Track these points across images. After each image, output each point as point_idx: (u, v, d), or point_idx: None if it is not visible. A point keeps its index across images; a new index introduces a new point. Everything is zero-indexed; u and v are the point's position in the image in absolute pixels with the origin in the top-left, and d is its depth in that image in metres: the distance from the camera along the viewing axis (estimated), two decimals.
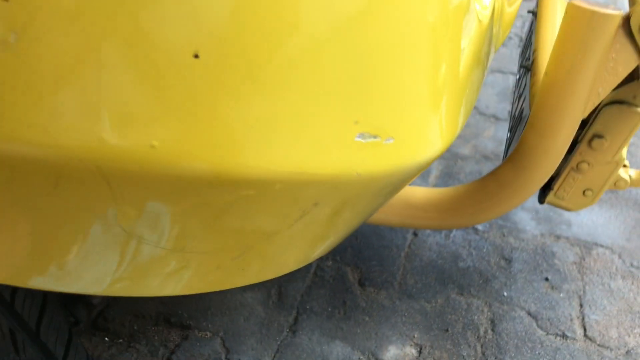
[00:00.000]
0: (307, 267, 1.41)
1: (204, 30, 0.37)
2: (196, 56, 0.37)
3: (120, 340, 1.22)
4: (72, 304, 1.24)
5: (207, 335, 1.24)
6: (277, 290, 1.35)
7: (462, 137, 1.86)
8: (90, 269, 0.51)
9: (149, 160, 0.39)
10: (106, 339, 1.23)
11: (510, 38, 2.45)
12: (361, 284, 1.37)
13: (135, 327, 1.26)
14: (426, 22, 0.50)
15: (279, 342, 1.22)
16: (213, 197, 0.45)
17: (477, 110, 2.00)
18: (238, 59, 0.39)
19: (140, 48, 0.36)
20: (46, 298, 0.82)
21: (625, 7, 2.41)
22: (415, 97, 0.51)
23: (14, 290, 0.73)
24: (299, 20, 0.40)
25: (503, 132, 1.90)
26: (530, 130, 0.82)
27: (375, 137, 0.48)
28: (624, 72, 0.78)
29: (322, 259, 1.43)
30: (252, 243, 0.53)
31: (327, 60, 0.43)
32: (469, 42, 0.62)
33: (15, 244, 0.47)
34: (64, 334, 0.91)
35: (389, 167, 0.51)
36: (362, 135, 0.47)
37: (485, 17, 0.69)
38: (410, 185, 0.89)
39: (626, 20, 0.73)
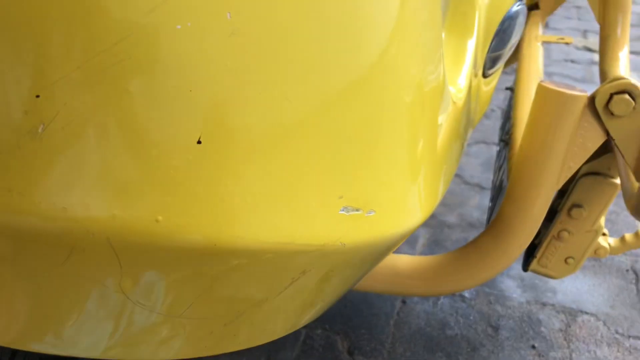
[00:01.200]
0: (296, 336, 1.41)
1: (207, 120, 0.43)
2: (199, 142, 0.42)
3: None
4: None
5: None
6: (267, 359, 1.35)
7: (448, 206, 1.91)
8: (90, 334, 0.54)
9: (154, 233, 0.43)
10: None
11: (493, 110, 2.55)
12: (350, 352, 1.37)
13: None
14: (403, 105, 0.55)
15: None
16: (208, 266, 0.49)
17: (462, 180, 2.06)
18: (235, 144, 0.44)
19: (151, 136, 0.42)
20: None
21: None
22: (394, 173, 0.56)
23: (12, 358, 0.74)
24: (291, 112, 0.46)
25: (487, 200, 1.95)
26: (508, 200, 0.86)
27: (357, 210, 0.53)
28: (592, 147, 0.83)
29: (311, 327, 1.43)
30: (244, 309, 0.56)
31: (314, 142, 0.48)
32: (445, 120, 0.68)
33: (21, 310, 0.50)
34: None
35: (371, 238, 0.56)
36: (345, 209, 0.52)
37: (460, 99, 0.75)
38: (396, 252, 0.93)
39: (591, 101, 0.79)
